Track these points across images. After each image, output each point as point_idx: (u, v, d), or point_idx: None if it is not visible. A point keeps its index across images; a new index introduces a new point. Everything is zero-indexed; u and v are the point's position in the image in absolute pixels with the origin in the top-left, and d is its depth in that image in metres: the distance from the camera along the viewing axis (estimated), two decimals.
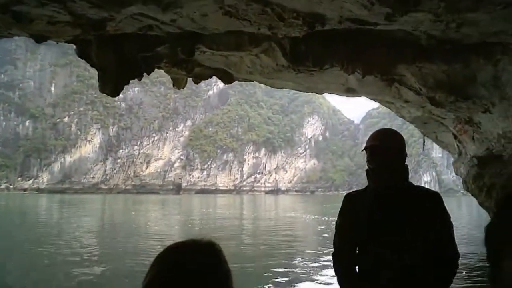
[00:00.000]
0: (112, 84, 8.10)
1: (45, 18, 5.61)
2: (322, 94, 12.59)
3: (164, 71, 9.89)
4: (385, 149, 2.57)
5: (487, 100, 9.13)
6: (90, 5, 5.11)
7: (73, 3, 5.04)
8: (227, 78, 10.32)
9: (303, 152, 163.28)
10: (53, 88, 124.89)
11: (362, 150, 2.70)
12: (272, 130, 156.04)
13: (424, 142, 16.92)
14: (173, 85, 10.80)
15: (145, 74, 8.95)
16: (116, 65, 8.11)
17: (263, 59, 8.81)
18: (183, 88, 10.94)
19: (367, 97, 11.70)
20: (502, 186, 8.80)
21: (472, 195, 10.33)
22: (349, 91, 10.52)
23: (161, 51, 8.54)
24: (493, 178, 9.18)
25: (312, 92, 11.87)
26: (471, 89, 8.97)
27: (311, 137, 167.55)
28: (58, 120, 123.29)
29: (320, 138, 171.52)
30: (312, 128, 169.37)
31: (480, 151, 10.47)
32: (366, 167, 2.69)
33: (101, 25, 6.40)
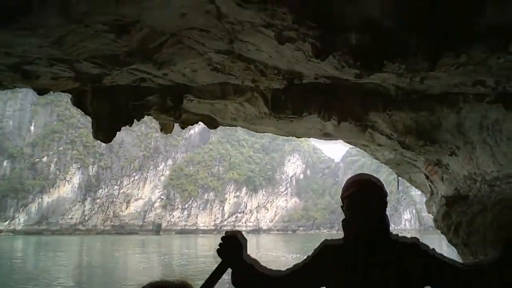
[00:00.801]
0: (105, 131, 8.65)
1: (50, 75, 6.19)
2: (301, 138, 13.32)
3: (153, 117, 10.48)
4: (365, 198, 2.40)
5: (452, 144, 9.93)
6: (94, 65, 5.73)
7: (79, 64, 5.65)
8: (212, 124, 10.98)
9: (285, 191, 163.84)
10: (32, 128, 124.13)
11: (341, 206, 2.53)
12: (254, 169, 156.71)
13: (398, 182, 17.70)
14: (161, 130, 11.40)
15: None
16: (109, 113, 8.70)
17: (246, 107, 9.50)
18: (170, 132, 11.54)
19: (344, 141, 12.46)
20: (467, 224, 9.49)
21: (442, 233, 11.00)
22: (326, 136, 11.26)
23: (151, 99, 9.16)
24: (459, 217, 9.87)
25: (292, 136, 12.59)
26: (438, 134, 9.77)
27: (292, 176, 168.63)
28: (37, 159, 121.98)
29: (301, 176, 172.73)
30: (293, 167, 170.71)
31: (449, 191, 11.20)
32: (343, 218, 2.52)
33: (98, 79, 7.01)
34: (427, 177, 12.69)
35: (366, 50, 4.54)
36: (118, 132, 9.05)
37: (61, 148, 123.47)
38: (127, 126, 9.44)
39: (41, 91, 7.06)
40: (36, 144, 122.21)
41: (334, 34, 4.33)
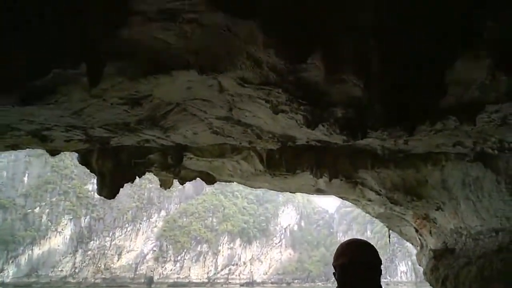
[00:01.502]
0: (109, 188, 9.13)
1: (64, 138, 6.76)
2: (295, 193, 13.83)
3: (154, 174, 10.98)
4: (360, 266, 2.32)
5: (438, 200, 10.48)
6: (106, 131, 6.32)
7: (92, 129, 6.24)
8: (209, 180, 11.51)
9: (279, 242, 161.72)
10: (26, 178, 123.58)
11: (333, 273, 2.46)
12: (247, 220, 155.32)
13: (389, 236, 18.07)
14: (160, 186, 11.89)
15: None
16: (113, 171, 9.21)
17: (243, 165, 10.06)
18: (169, 188, 12.02)
19: (336, 196, 12.97)
20: (454, 277, 9.87)
21: (431, 285, 11.33)
22: (319, 191, 11.80)
23: (153, 158, 9.72)
24: (446, 270, 10.26)
25: (286, 191, 13.12)
26: (424, 191, 10.35)
27: (286, 227, 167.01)
28: (29, 210, 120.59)
29: (296, 227, 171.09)
30: (287, 218, 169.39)
31: (438, 244, 11.65)
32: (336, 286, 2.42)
33: (106, 141, 7.58)
34: (417, 231, 13.15)
35: (350, 121, 5.17)
36: None
37: (54, 199, 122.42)
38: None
39: (53, 152, 7.61)
40: (29, 195, 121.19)
41: (322, 108, 4.97)
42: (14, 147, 6.96)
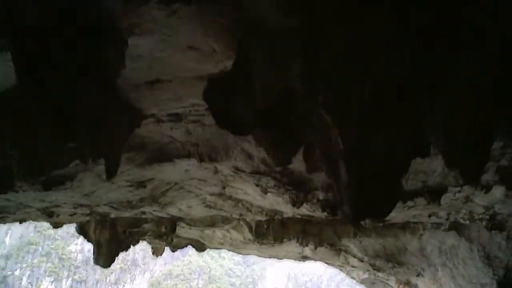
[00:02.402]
0: (105, 257, 9.57)
1: (69, 213, 7.33)
2: (282, 259, 14.26)
3: (147, 242, 11.43)
4: None
5: (418, 266, 11.04)
6: (110, 208, 6.93)
7: (97, 207, 6.84)
8: (200, 247, 11.97)
9: None
10: (8, 239, 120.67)
11: None
12: (234, 282, 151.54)
13: None
14: (153, 253, 12.29)
15: None
16: (109, 241, 9.69)
17: (232, 234, 10.60)
18: (161, 255, 12.42)
19: (321, 262, 13.45)
20: None
21: None
22: (305, 258, 12.30)
23: (147, 227, 10.24)
24: None
25: (274, 258, 13.57)
26: (404, 258, 10.92)
27: None
28: (9, 273, 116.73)
29: None
30: (274, 279, 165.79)
31: None
32: None
33: (107, 215, 8.15)
34: None
35: (331, 202, 5.87)
36: None
37: (36, 261, 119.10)
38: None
39: (56, 225, 8.13)
40: (10, 256, 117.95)
41: (305, 192, 5.68)
42: (22, 220, 7.49)
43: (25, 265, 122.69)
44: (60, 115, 2.13)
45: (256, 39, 3.21)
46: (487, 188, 6.00)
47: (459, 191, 6.32)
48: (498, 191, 6.20)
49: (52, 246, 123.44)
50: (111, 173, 4.51)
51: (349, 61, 3.14)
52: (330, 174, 3.66)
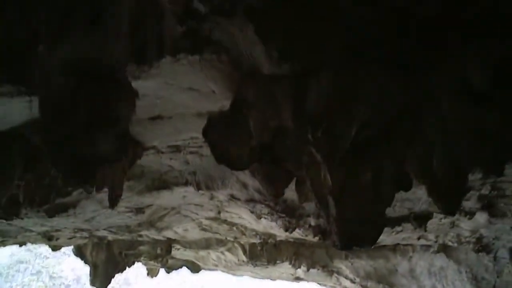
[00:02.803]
0: (101, 279, 9.74)
1: (68, 236, 7.54)
2: (275, 280, 14.45)
3: (142, 264, 11.59)
4: None
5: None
6: (108, 232, 7.15)
7: (97, 231, 7.06)
8: (195, 269, 12.15)
9: None
10: None
11: None
12: None
13: None
14: (148, 275, 12.44)
15: None
16: (106, 262, 9.87)
17: (227, 255, 10.81)
18: (155, 276, 12.57)
19: (314, 283, 13.64)
20: None
21: None
22: (298, 279, 12.50)
23: (142, 249, 10.43)
24: None
25: (267, 279, 13.75)
26: (395, 279, 11.16)
27: None
28: None
29: None
30: None
31: None
32: None
33: (105, 237, 8.35)
34: None
35: (322, 228, 6.14)
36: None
37: (26, 279, 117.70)
38: None
39: (55, 248, 8.32)
40: (0, 274, 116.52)
41: (298, 218, 5.95)
42: (22, 244, 7.68)
43: (15, 284, 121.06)
44: (73, 158, 2.40)
45: (252, 83, 3.51)
46: (471, 214, 6.30)
47: (444, 217, 6.63)
48: (481, 217, 6.50)
49: (43, 265, 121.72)
50: (114, 203, 4.77)
51: (337, 103, 3.45)
52: (320, 207, 3.93)
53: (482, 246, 9.11)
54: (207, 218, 7.75)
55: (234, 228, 8.26)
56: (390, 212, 5.90)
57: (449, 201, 3.65)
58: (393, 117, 3.70)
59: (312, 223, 6.07)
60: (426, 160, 3.60)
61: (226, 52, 3.40)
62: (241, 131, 3.67)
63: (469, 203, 5.87)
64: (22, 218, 5.27)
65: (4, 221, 5.34)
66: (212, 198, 6.58)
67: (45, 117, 2.18)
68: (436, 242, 9.65)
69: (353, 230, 3.73)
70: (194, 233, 8.74)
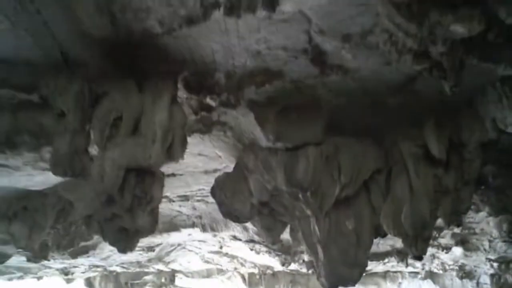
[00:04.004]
0: None
1: (83, 271, 8.18)
2: None
3: None
4: None
5: None
6: (120, 267, 7.82)
7: (110, 267, 7.73)
8: None
9: None
10: None
11: None
12: None
13: None
14: None
15: None
16: None
17: (227, 283, 11.46)
18: None
19: None
20: None
21: None
22: None
23: (148, 278, 11.07)
24: None
25: None
26: None
27: None
28: None
29: None
30: None
31: None
32: None
33: (114, 270, 8.99)
34: None
35: (314, 263, 6.85)
36: None
37: None
38: None
39: (68, 280, 8.97)
40: None
41: (293, 255, 6.67)
42: (39, 278, 8.34)
43: None
44: (119, 231, 3.13)
45: (252, 153, 4.28)
46: (447, 249, 7.06)
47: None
48: (457, 251, 7.25)
49: None
50: (128, 249, 5.48)
51: (322, 170, 4.23)
52: (311, 252, 4.66)
53: (465, 273, 9.84)
54: (209, 252, 8.44)
55: (235, 260, 8.95)
56: (375, 248, 6.63)
57: (417, 249, 4.39)
58: (370, 177, 4.48)
59: (306, 259, 6.78)
60: (397, 215, 4.34)
61: (231, 130, 4.18)
62: (243, 191, 4.43)
63: (444, 240, 6.62)
64: (48, 260, 5.96)
65: (33, 263, 6.03)
66: (215, 235, 7.30)
67: (100, 201, 2.92)
68: (423, 269, 10.37)
69: (338, 272, 4.44)
70: (197, 265, 9.42)
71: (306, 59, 3.30)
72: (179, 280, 11.63)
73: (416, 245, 4.44)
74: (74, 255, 6.04)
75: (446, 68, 2.99)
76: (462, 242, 6.73)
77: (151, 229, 3.26)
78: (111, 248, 6.56)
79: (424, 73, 3.11)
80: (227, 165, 4.90)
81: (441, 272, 10.22)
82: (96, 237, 5.85)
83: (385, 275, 11.24)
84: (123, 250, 3.36)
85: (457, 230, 6.19)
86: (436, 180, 4.30)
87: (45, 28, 2.63)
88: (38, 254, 5.65)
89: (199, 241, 7.75)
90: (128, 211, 3.03)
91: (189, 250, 8.26)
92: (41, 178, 4.37)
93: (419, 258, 4.56)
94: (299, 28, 2.96)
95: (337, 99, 3.82)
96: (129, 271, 9.95)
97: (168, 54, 2.93)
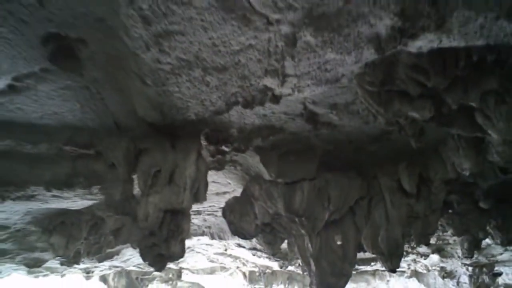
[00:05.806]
0: None
1: (101, 269, 9.13)
2: None
3: (155, 286, 13.19)
4: None
5: None
6: (138, 268, 8.76)
7: (128, 267, 8.67)
8: None
9: None
10: None
11: None
12: None
13: None
14: None
15: None
16: (126, 287, 11.48)
17: (229, 279, 12.46)
18: None
19: None
20: None
21: None
22: None
23: (156, 273, 12.05)
24: None
25: None
26: None
27: None
28: None
29: None
30: None
31: None
32: None
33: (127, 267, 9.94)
34: None
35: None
36: None
37: None
38: None
39: (88, 277, 9.93)
40: None
41: (290, 260, 7.63)
42: (63, 275, 9.29)
43: None
44: (157, 256, 4.08)
45: (257, 184, 5.19)
46: (426, 256, 8.02)
47: (405, 256, 8.32)
48: (435, 257, 8.22)
49: None
50: (164, 268, 6.39)
51: (314, 200, 5.15)
52: (305, 264, 5.61)
53: (446, 273, 10.83)
54: (215, 254, 9.40)
55: (237, 260, 9.91)
56: (361, 255, 7.58)
57: (392, 264, 5.33)
58: (354, 203, 5.42)
59: (301, 263, 7.74)
60: (375, 237, 5.28)
61: (240, 165, 5.10)
62: (249, 214, 5.36)
63: (421, 249, 7.58)
64: (79, 264, 6.88)
65: (65, 266, 6.95)
66: (220, 241, 8.24)
67: (143, 234, 3.84)
68: (409, 269, 11.36)
69: (328, 282, 5.38)
70: (203, 263, 10.38)
71: (302, 120, 4.20)
72: (185, 275, 12.64)
73: (391, 261, 5.39)
74: (101, 260, 6.97)
75: (409, 133, 3.89)
76: (438, 250, 7.68)
77: (181, 255, 4.16)
78: (131, 253, 7.52)
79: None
80: (235, 189, 5.81)
81: (425, 271, 11.23)
82: (119, 246, 6.78)
83: (374, 273, 12.24)
84: (158, 269, 4.26)
85: (432, 241, 7.13)
86: (409, 208, 5.22)
87: (106, 108, 3.53)
88: (72, 260, 6.58)
89: (207, 244, 8.69)
90: (164, 241, 3.94)
91: (197, 252, 9.20)
92: (81, 202, 5.29)
93: (393, 271, 5.51)
94: (296, 101, 3.86)
95: (327, 146, 4.72)
96: (144, 270, 10.94)
97: (194, 122, 3.85)
